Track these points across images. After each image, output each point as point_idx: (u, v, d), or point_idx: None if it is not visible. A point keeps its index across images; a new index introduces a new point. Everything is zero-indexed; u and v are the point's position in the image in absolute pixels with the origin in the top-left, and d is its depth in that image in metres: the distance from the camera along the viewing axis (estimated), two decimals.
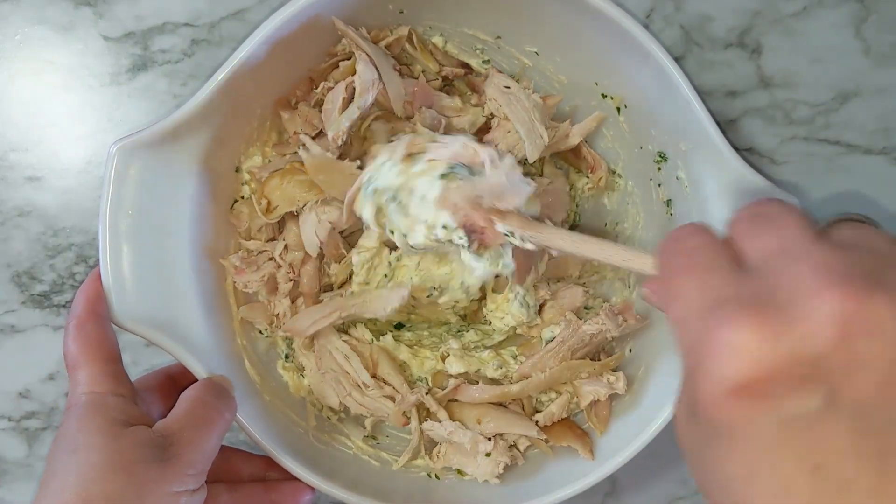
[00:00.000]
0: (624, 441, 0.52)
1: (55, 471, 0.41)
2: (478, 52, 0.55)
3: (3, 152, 0.57)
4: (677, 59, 0.56)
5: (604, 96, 0.55)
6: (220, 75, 0.47)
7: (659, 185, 0.55)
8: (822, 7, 0.56)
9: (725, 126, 0.58)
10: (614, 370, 0.55)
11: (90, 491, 0.39)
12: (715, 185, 0.51)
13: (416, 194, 0.48)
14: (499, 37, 0.54)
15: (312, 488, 0.51)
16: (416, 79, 0.53)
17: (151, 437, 0.42)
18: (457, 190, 0.47)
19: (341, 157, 0.51)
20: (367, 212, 0.49)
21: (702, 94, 0.57)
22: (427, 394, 0.54)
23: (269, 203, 0.53)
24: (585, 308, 0.58)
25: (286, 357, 0.56)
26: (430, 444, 0.56)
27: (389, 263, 0.54)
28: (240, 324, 0.54)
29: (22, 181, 0.57)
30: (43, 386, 0.59)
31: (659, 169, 0.54)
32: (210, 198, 0.51)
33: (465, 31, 0.54)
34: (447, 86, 0.55)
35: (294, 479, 0.51)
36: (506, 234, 0.48)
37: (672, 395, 0.51)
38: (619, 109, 0.55)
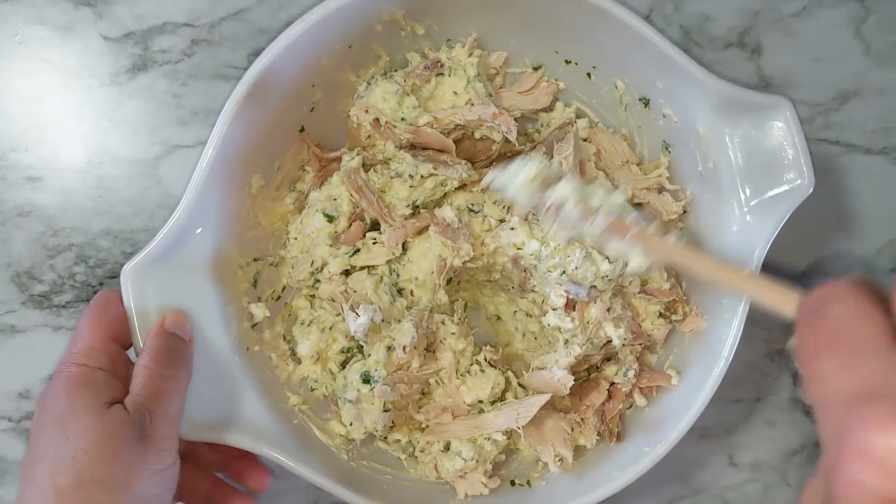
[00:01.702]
0: (633, 458, 0.53)
1: (45, 448, 0.42)
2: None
3: (3, 152, 0.57)
4: None
5: (567, 62, 0.55)
6: (200, 166, 0.48)
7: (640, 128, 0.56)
8: (822, 7, 0.56)
9: None
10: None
11: (83, 476, 0.41)
12: (702, 107, 0.52)
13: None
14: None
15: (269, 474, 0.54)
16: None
17: (130, 417, 0.43)
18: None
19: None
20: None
21: None
22: None
23: None
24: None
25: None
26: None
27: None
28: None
29: (22, 181, 0.57)
30: (43, 386, 0.59)
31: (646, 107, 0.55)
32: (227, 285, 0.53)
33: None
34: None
35: (256, 466, 0.53)
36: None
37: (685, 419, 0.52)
38: (589, 74, 0.55)
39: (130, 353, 0.48)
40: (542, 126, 0.58)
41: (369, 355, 0.52)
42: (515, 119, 0.54)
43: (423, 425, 0.56)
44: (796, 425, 0.62)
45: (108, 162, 0.57)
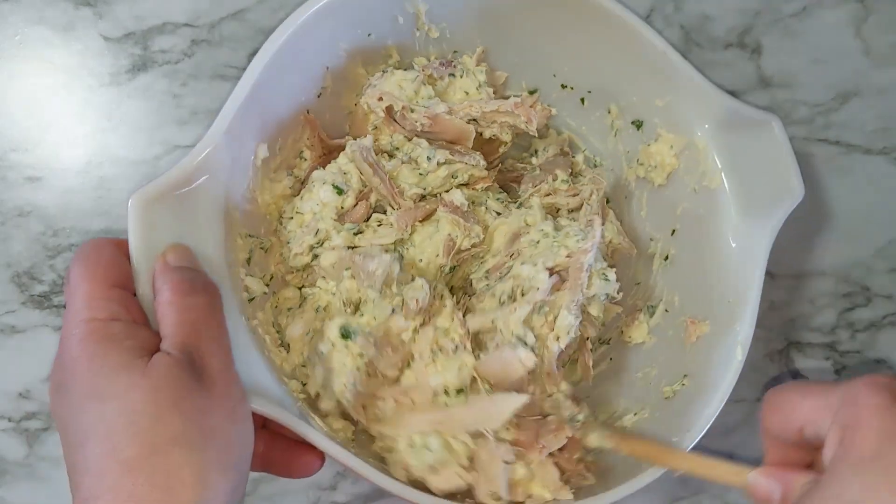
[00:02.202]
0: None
1: (87, 428, 0.35)
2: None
3: (3, 152, 0.57)
4: None
5: (563, 87, 0.56)
6: (226, 110, 0.46)
7: (639, 163, 0.56)
8: (822, 7, 0.56)
9: None
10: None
11: (150, 439, 0.34)
12: (701, 121, 0.53)
13: None
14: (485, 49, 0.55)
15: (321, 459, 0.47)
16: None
17: (179, 363, 0.36)
18: None
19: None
20: None
21: None
22: None
23: None
24: None
25: None
26: None
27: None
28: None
29: (22, 181, 0.57)
30: (43, 386, 0.59)
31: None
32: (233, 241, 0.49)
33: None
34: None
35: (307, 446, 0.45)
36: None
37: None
38: (582, 100, 0.56)
39: None
40: (536, 151, 0.58)
41: (362, 315, 0.50)
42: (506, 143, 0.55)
43: (380, 416, 0.51)
44: None
45: (108, 162, 0.57)
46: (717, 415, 0.50)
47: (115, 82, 0.56)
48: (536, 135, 0.55)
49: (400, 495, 0.46)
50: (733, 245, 0.53)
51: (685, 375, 0.54)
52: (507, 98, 0.56)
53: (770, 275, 0.60)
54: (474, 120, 0.54)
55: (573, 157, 0.59)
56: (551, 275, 0.52)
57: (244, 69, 0.56)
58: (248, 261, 0.52)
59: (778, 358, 0.61)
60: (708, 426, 0.50)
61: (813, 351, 0.61)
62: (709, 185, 0.54)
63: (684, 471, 0.47)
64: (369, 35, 0.53)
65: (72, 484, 0.35)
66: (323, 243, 0.54)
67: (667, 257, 0.57)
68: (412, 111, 0.53)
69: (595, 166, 0.58)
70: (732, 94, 0.57)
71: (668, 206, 0.56)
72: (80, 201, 0.57)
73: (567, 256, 0.52)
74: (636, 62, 0.52)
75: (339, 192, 0.53)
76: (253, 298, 0.51)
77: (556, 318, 0.52)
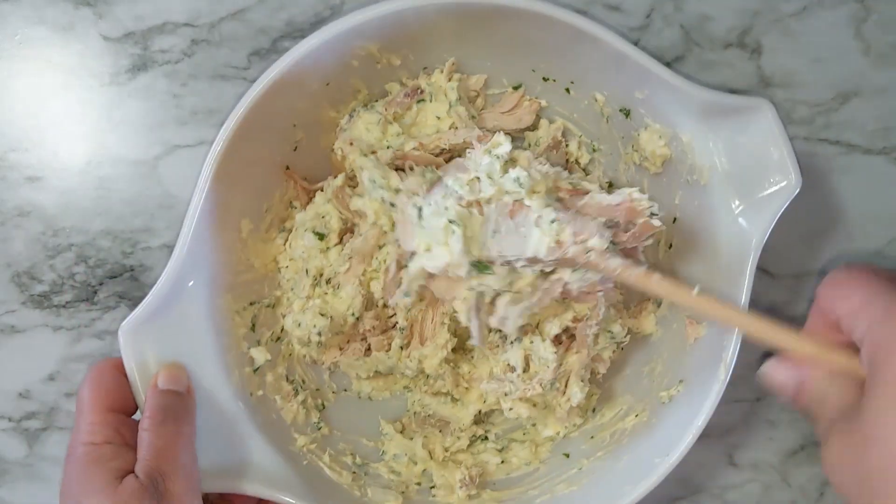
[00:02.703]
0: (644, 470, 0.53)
1: None
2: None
3: (3, 152, 0.57)
4: (677, 59, 0.57)
5: (545, 79, 0.55)
6: (186, 223, 0.49)
7: (634, 149, 0.56)
8: (822, 7, 0.56)
9: None
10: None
11: None
12: (683, 115, 0.52)
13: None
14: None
15: None
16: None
17: (143, 484, 0.43)
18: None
19: None
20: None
21: None
22: None
23: None
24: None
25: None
26: None
27: None
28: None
29: (22, 181, 0.57)
30: (43, 386, 0.59)
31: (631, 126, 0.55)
32: (227, 333, 0.53)
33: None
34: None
35: None
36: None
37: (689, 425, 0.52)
38: (568, 90, 0.55)
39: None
40: (529, 145, 0.58)
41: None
42: None
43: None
44: (796, 425, 0.62)
45: (108, 162, 0.57)
46: (692, 443, 0.52)
47: (115, 82, 0.56)
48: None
49: None
50: (726, 242, 0.53)
51: (681, 381, 0.54)
52: (481, 112, 0.57)
53: (770, 275, 0.60)
54: (446, 150, 0.54)
55: (566, 144, 0.58)
56: (558, 344, 0.54)
57: (244, 69, 0.56)
58: (253, 328, 0.55)
59: None
60: (685, 452, 0.52)
61: None
62: (699, 179, 0.53)
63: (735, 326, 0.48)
64: (327, 84, 0.52)
65: None
66: (320, 278, 0.56)
67: (671, 245, 0.56)
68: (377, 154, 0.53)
69: (594, 151, 0.57)
70: (732, 93, 0.57)
71: (668, 193, 0.55)
72: (80, 201, 0.57)
73: (573, 321, 0.54)
74: (606, 61, 0.51)
75: (321, 237, 0.55)
76: (258, 368, 0.55)
77: (566, 384, 0.55)
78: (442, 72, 0.54)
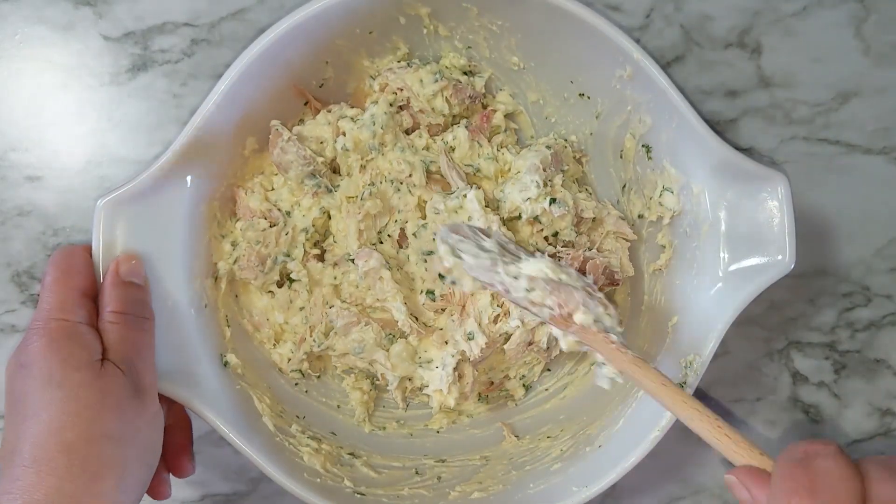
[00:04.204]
0: (626, 449, 0.53)
1: (39, 404, 0.42)
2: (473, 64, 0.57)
3: (3, 151, 0.57)
4: (677, 59, 0.57)
5: (581, 96, 0.56)
6: (195, 120, 0.49)
7: (649, 198, 0.56)
8: (822, 7, 0.56)
9: (725, 126, 0.58)
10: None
11: (91, 430, 0.42)
12: (700, 166, 0.52)
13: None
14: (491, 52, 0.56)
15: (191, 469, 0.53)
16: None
17: (124, 374, 0.44)
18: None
19: None
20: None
21: (702, 93, 0.57)
22: None
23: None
24: None
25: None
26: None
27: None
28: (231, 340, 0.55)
29: (22, 181, 0.57)
30: None
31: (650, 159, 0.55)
32: (199, 238, 0.53)
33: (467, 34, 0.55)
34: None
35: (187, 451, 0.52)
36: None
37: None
38: (597, 116, 0.56)
39: None
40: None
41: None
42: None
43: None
44: (796, 425, 0.62)
45: (108, 162, 0.57)
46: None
47: (115, 82, 0.56)
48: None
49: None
50: (704, 300, 0.53)
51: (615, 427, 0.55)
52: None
53: None
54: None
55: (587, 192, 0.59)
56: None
57: None
58: (233, 245, 0.55)
59: (778, 357, 0.61)
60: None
61: (813, 350, 0.61)
62: (698, 232, 0.54)
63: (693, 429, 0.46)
64: (370, 33, 0.53)
65: (5, 447, 0.42)
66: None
67: (659, 269, 0.57)
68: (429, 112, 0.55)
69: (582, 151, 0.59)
70: (732, 93, 0.57)
71: (664, 237, 0.57)
72: (80, 201, 0.57)
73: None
74: (643, 91, 0.52)
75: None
76: (217, 278, 0.55)
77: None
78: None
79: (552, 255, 0.54)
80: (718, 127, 0.57)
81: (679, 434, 0.53)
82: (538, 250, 0.54)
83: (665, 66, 0.56)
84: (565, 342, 0.49)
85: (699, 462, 0.62)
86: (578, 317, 0.48)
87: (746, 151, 0.58)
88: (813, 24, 0.57)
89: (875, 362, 0.61)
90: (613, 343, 0.47)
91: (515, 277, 0.49)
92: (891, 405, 0.62)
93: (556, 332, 0.50)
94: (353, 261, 0.55)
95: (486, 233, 0.52)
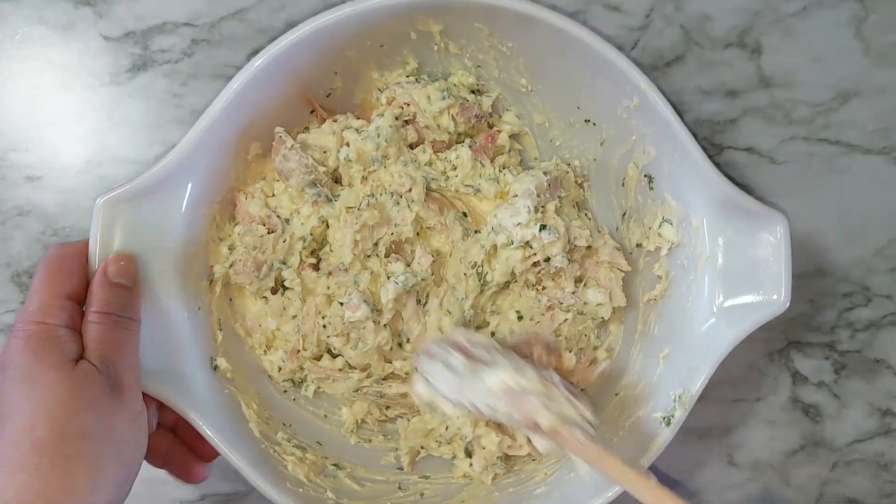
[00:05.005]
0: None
1: (14, 404, 0.42)
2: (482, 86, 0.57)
3: (3, 152, 0.57)
4: (677, 59, 0.57)
5: (586, 122, 0.56)
6: (201, 123, 0.49)
7: (647, 227, 0.57)
8: (822, 7, 0.57)
9: (725, 126, 0.58)
10: None
11: (63, 428, 0.41)
12: (700, 200, 0.52)
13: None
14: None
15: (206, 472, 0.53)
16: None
17: (98, 370, 0.44)
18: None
19: None
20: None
21: (702, 93, 0.57)
22: None
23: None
24: None
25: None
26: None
27: None
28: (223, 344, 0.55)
29: (22, 181, 0.57)
30: None
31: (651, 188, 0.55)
32: (197, 240, 0.53)
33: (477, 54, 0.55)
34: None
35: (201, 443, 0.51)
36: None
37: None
38: (602, 143, 0.56)
39: None
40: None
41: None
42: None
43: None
44: (796, 425, 0.62)
45: (108, 162, 0.57)
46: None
47: (115, 82, 0.56)
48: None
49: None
50: (696, 336, 0.53)
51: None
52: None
53: None
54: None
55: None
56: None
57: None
58: (230, 249, 0.55)
59: (777, 357, 0.61)
60: None
61: (813, 351, 0.61)
62: (695, 266, 0.54)
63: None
64: (381, 46, 0.53)
65: None
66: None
67: (654, 299, 0.57)
68: (434, 128, 0.55)
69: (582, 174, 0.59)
70: (732, 93, 0.57)
71: (661, 268, 0.57)
72: (80, 201, 0.57)
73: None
74: (649, 122, 0.52)
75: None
76: (212, 281, 0.55)
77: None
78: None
79: (518, 318, 0.57)
80: (718, 127, 0.57)
81: (679, 435, 0.53)
82: (518, 306, 0.57)
83: (665, 66, 0.56)
84: (541, 445, 0.51)
85: (700, 462, 0.62)
86: (542, 421, 0.49)
87: (746, 152, 0.58)
88: (813, 24, 0.57)
89: (875, 362, 0.61)
90: (580, 441, 0.49)
91: (481, 393, 0.50)
92: (891, 405, 0.62)
93: (531, 436, 0.51)
94: (346, 270, 0.55)
95: (458, 344, 0.53)
